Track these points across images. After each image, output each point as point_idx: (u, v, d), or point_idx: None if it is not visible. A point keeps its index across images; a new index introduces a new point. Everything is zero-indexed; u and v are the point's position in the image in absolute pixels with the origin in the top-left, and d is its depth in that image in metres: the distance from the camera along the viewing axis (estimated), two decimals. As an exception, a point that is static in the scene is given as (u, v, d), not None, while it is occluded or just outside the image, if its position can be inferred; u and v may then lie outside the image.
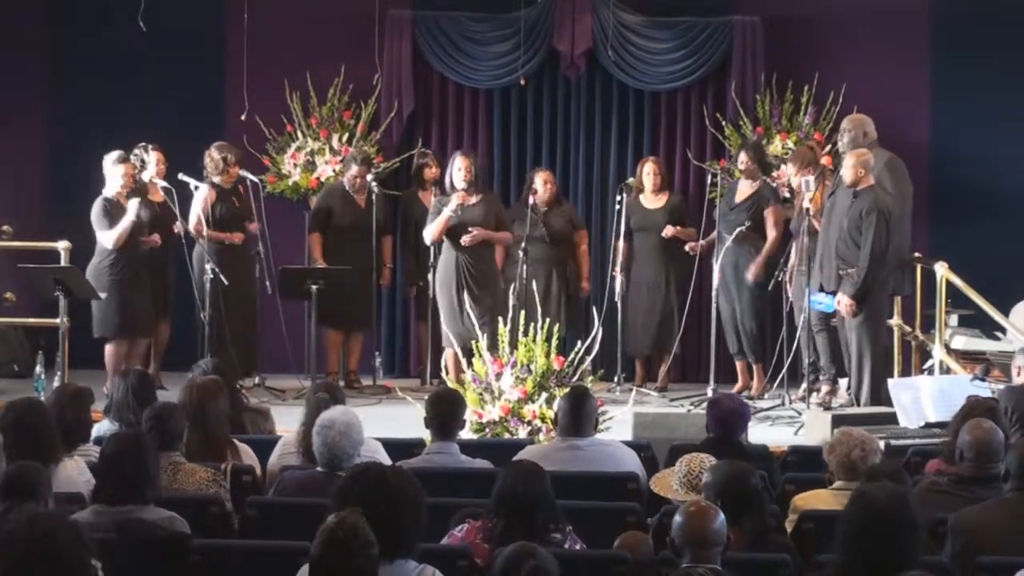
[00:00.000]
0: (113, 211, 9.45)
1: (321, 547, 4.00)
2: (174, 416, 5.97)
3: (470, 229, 9.84)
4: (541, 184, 10.34)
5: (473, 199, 9.88)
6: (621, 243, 10.25)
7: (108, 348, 9.55)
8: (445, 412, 6.37)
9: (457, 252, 9.92)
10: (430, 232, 9.94)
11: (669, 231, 10.23)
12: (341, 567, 3.98)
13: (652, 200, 10.41)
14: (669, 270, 10.37)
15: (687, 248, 10.24)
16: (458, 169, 9.92)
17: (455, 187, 9.90)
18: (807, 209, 9.30)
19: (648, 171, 10.39)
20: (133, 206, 9.43)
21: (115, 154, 9.60)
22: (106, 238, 9.42)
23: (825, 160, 9.99)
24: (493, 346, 8.10)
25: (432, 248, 10.17)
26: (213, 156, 10.01)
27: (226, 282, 9.68)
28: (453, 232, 9.89)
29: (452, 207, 9.79)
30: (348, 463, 5.56)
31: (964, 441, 5.51)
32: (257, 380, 10.03)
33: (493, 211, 10.06)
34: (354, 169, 10.34)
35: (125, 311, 9.48)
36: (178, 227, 9.85)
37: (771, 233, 9.97)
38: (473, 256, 9.92)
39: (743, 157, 10.12)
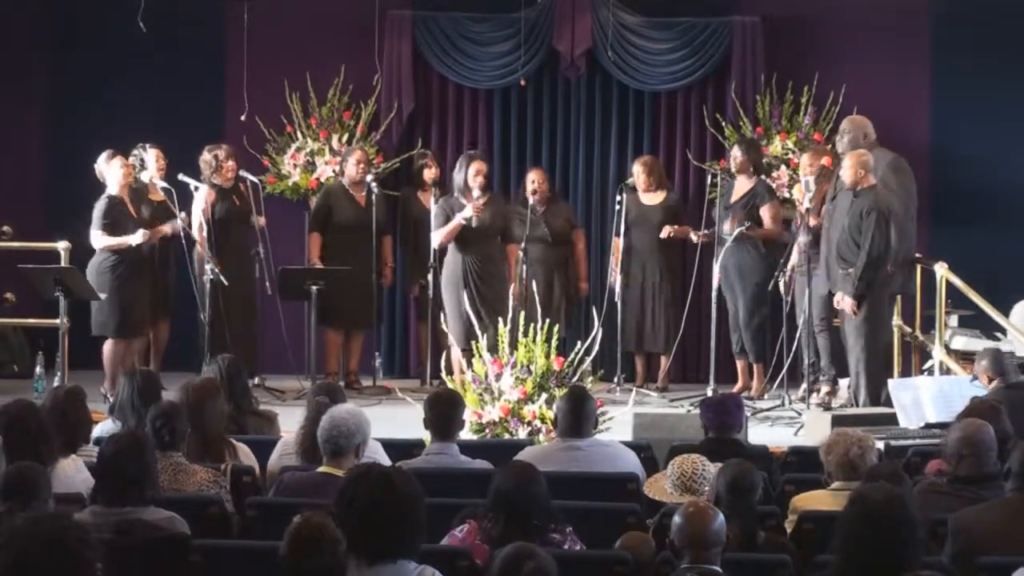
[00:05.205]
0: (115, 212, 9.42)
1: (289, 547, 4.05)
2: (181, 415, 5.98)
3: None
4: (535, 183, 10.31)
5: (481, 200, 9.89)
6: (620, 240, 10.24)
7: (106, 347, 9.55)
8: (444, 413, 6.37)
9: (463, 253, 9.91)
10: (438, 237, 9.91)
11: (667, 231, 10.22)
12: (309, 566, 4.01)
13: (649, 197, 10.40)
14: (664, 267, 10.36)
15: (692, 237, 10.20)
16: (475, 174, 9.87)
17: (468, 189, 9.84)
18: (808, 209, 9.31)
19: (637, 170, 10.39)
20: (138, 237, 9.38)
21: (104, 154, 9.61)
22: (96, 238, 9.41)
23: (826, 160, 9.98)
24: (494, 347, 8.09)
25: (433, 248, 10.16)
26: (205, 158, 10.01)
27: (226, 282, 9.68)
28: (460, 235, 9.89)
29: (467, 215, 9.74)
30: (349, 451, 5.61)
31: (955, 439, 5.52)
32: (257, 381, 10.02)
33: (501, 212, 10.07)
34: (356, 155, 10.31)
35: (124, 311, 9.47)
36: (182, 223, 9.83)
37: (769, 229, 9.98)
38: (480, 257, 9.91)
39: (736, 152, 10.12)
